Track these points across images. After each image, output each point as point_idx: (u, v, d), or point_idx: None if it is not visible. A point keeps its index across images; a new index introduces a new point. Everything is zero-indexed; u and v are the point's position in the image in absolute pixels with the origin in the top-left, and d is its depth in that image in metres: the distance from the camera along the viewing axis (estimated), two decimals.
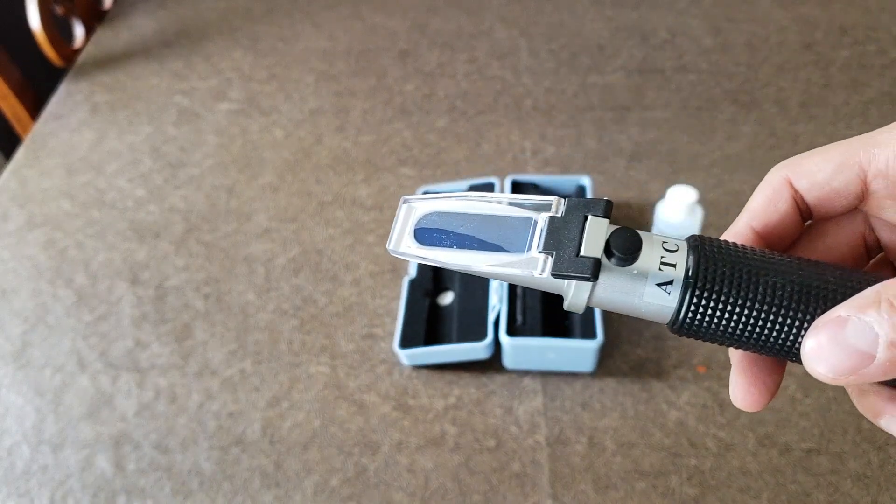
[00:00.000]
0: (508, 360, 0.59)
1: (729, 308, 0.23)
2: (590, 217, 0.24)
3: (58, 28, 0.95)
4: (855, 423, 0.55)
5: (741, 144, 0.80)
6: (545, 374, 0.59)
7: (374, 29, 1.01)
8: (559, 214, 0.25)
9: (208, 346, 0.63)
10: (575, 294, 0.24)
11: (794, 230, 0.26)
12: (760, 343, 0.24)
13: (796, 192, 0.26)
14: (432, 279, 0.65)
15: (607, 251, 0.24)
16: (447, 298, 0.64)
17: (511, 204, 0.26)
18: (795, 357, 0.24)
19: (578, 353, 0.57)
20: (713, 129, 0.82)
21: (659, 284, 0.24)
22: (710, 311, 0.24)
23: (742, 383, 0.26)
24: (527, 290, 0.61)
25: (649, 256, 0.24)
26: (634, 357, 0.60)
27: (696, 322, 0.24)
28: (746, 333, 0.24)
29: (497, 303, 0.60)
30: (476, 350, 0.58)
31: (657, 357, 0.60)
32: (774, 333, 0.23)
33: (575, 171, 0.78)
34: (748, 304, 0.23)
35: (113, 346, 0.64)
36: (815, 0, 1.01)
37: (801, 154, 0.25)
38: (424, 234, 0.26)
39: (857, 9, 0.99)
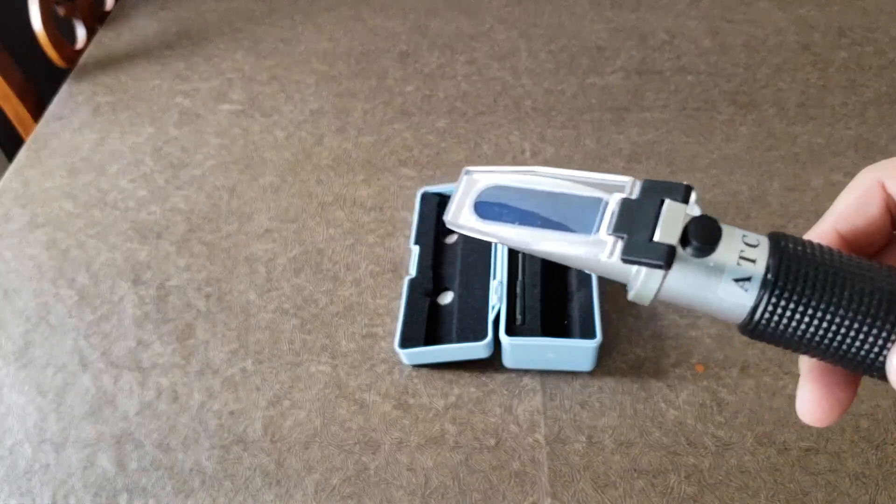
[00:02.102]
0: (508, 360, 0.59)
1: (810, 312, 0.22)
2: (667, 201, 0.23)
3: (60, 29, 0.96)
4: (853, 422, 0.56)
5: (739, 145, 0.80)
6: (544, 374, 0.60)
7: (375, 30, 1.02)
8: (633, 196, 0.23)
9: (210, 346, 0.63)
10: (643, 284, 0.23)
11: (882, 237, 0.24)
12: (840, 353, 0.22)
13: (889, 196, 0.23)
14: (432, 279, 0.65)
15: (683, 239, 0.22)
16: (447, 298, 0.64)
17: (580, 182, 0.24)
18: (877, 372, 0.22)
19: (577, 352, 0.58)
20: (711, 130, 0.82)
21: (736, 280, 0.22)
22: (788, 314, 0.22)
23: (812, 395, 0.24)
24: (526, 290, 0.61)
25: (728, 249, 0.22)
26: (633, 356, 0.61)
27: (773, 324, 0.22)
28: (826, 341, 0.22)
29: (497, 302, 0.60)
30: (476, 349, 0.58)
31: (656, 356, 0.61)
32: (857, 344, 0.22)
33: None
34: (831, 309, 0.21)
35: (115, 346, 0.64)
36: (814, 1, 1.01)
37: None
38: (485, 209, 0.24)
39: (856, 10, 1.00)
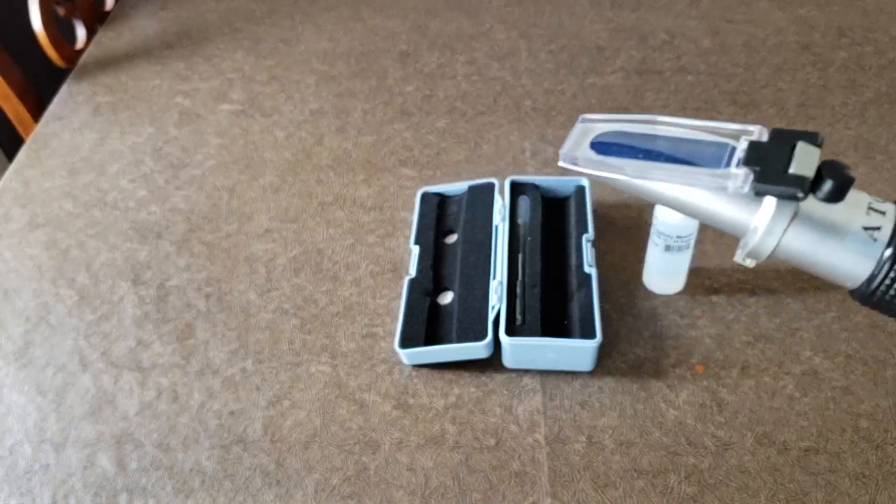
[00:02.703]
0: (508, 360, 0.59)
1: None
2: (800, 143, 0.22)
3: (60, 29, 0.96)
4: (853, 422, 0.56)
5: None
6: (544, 374, 0.60)
7: (375, 30, 1.02)
8: (762, 140, 0.23)
9: (210, 346, 0.63)
10: (766, 231, 0.22)
11: None
12: None
13: None
14: (432, 279, 0.65)
15: (816, 182, 0.21)
16: (447, 298, 0.64)
17: (703, 129, 0.24)
18: None
19: (577, 352, 0.58)
20: None
21: (866, 228, 0.21)
22: None
23: None
24: (526, 290, 0.61)
25: (857, 198, 0.22)
26: (633, 356, 0.61)
27: None
28: None
29: (497, 302, 0.60)
30: (476, 349, 0.58)
31: (656, 356, 0.61)
32: None
33: (574, 172, 0.78)
34: None
35: (115, 346, 0.64)
36: (814, 1, 1.01)
37: None
38: (603, 147, 0.24)
39: (856, 10, 1.00)
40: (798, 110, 0.84)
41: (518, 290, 0.62)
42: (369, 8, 1.06)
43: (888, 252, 0.21)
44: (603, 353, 0.61)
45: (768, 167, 0.21)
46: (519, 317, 0.60)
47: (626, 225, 0.72)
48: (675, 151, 0.23)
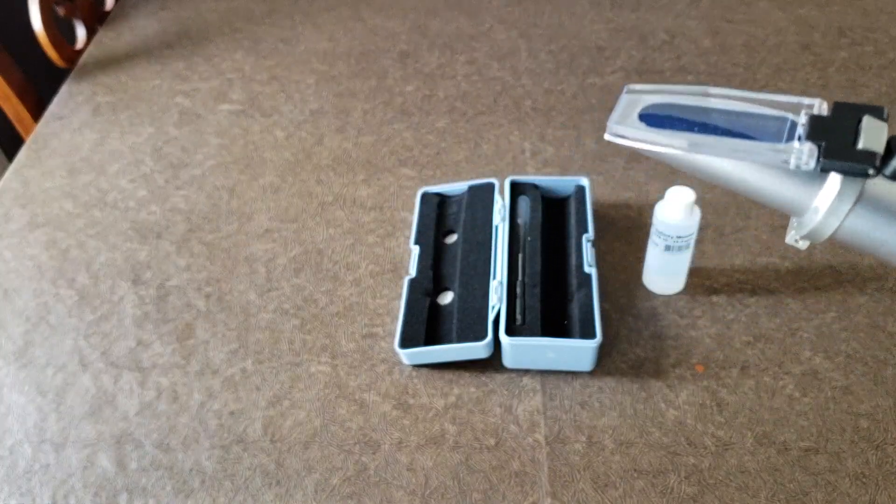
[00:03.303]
0: (508, 360, 0.59)
1: None
2: (866, 117, 0.21)
3: (60, 29, 0.96)
4: (853, 422, 0.56)
5: None
6: (544, 374, 0.60)
7: (375, 30, 1.02)
8: (823, 114, 0.22)
9: (210, 346, 0.63)
10: (830, 210, 0.20)
11: None
12: None
13: None
14: (432, 279, 0.65)
15: (885, 158, 0.20)
16: (447, 298, 0.64)
17: (759, 101, 0.22)
18: None
19: (577, 352, 0.58)
20: None
21: None
22: None
23: None
24: (526, 290, 0.61)
25: None
26: (633, 356, 0.61)
27: None
28: None
29: (497, 302, 0.60)
30: (476, 349, 0.58)
31: (655, 356, 0.61)
32: None
33: (574, 172, 0.78)
34: None
35: (115, 346, 0.64)
36: (814, 1, 1.01)
37: None
38: (653, 119, 0.22)
39: (855, 10, 1.00)
40: None
41: (518, 290, 0.62)
42: (369, 8, 1.06)
43: None
44: (603, 353, 0.61)
45: (834, 142, 0.20)
46: (519, 317, 0.60)
47: (626, 225, 0.72)
48: (730, 125, 0.22)
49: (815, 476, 0.53)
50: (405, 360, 0.60)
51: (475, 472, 0.54)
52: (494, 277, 0.63)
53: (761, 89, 0.87)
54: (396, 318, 0.64)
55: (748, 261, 0.68)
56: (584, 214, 0.67)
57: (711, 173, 0.22)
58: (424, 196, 0.73)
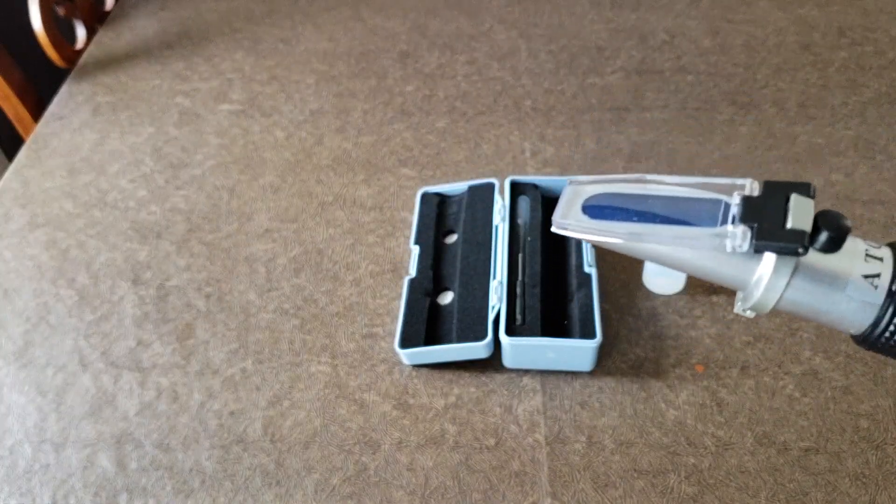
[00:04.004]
0: (508, 360, 0.59)
1: None
2: (794, 195, 0.22)
3: (59, 29, 0.96)
4: (853, 422, 0.56)
5: (739, 145, 0.80)
6: (544, 374, 0.60)
7: (375, 30, 1.02)
8: (754, 194, 0.23)
9: (210, 346, 0.63)
10: (769, 286, 0.22)
11: None
12: None
13: None
14: (432, 279, 0.65)
15: (813, 232, 0.21)
16: (447, 298, 0.64)
17: (693, 186, 0.23)
18: None
19: (577, 352, 0.58)
20: (711, 130, 0.82)
21: (866, 277, 0.21)
22: None
23: None
24: (526, 290, 0.61)
25: (853, 245, 0.22)
26: (633, 356, 0.61)
27: None
28: None
29: (497, 302, 0.60)
30: (476, 349, 0.58)
31: (655, 356, 0.61)
32: None
33: (574, 172, 0.78)
34: None
35: (115, 346, 0.64)
36: (814, 1, 1.01)
37: None
38: (595, 210, 0.23)
39: (856, 10, 1.00)
40: (798, 110, 0.84)
41: (518, 290, 0.62)
42: (369, 8, 1.06)
43: (889, 299, 0.21)
44: (603, 353, 0.61)
45: (765, 223, 0.21)
46: (519, 317, 0.60)
47: None
48: (668, 211, 0.23)
49: (815, 476, 0.53)
50: (405, 360, 0.60)
51: (475, 472, 0.54)
52: (494, 277, 0.63)
53: (762, 89, 0.87)
54: (396, 318, 0.64)
55: None
56: None
57: (655, 258, 0.23)
58: (424, 196, 0.73)
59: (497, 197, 0.70)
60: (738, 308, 0.23)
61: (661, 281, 0.65)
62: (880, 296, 0.21)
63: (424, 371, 0.61)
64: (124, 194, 0.79)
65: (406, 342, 0.60)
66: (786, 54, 0.93)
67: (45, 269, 0.71)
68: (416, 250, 0.67)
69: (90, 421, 0.59)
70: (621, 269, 0.67)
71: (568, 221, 0.23)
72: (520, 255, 0.65)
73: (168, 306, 0.67)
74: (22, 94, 0.92)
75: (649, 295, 0.65)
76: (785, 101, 0.86)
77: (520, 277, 0.63)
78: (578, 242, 0.65)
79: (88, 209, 0.77)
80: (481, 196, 0.71)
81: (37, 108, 0.93)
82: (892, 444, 0.54)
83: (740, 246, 0.22)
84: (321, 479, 0.54)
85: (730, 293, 0.65)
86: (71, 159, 0.83)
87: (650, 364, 0.60)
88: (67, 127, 0.88)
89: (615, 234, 0.23)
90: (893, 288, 0.21)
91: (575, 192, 0.24)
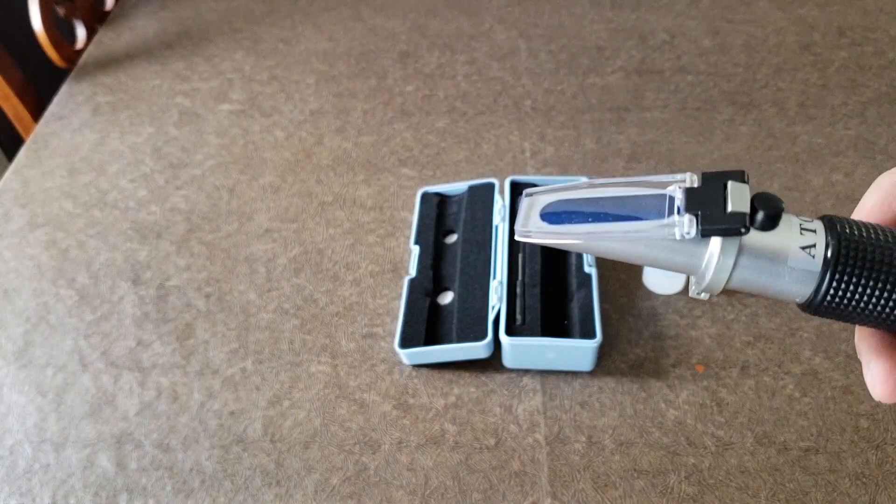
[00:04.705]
0: (508, 360, 0.59)
1: (885, 270, 0.23)
2: (730, 182, 0.24)
3: (59, 29, 0.96)
4: (853, 422, 0.56)
5: (739, 145, 0.80)
6: (544, 374, 0.60)
7: (375, 30, 1.02)
8: (695, 185, 0.25)
9: (210, 346, 0.63)
10: (718, 267, 0.24)
11: None
12: None
13: None
14: (432, 279, 0.65)
15: (752, 213, 0.24)
16: (447, 298, 0.64)
17: (637, 184, 0.26)
18: None
19: (577, 352, 0.58)
20: (711, 130, 0.82)
21: (803, 248, 0.24)
22: (856, 275, 0.23)
23: (882, 370, 0.25)
24: (526, 290, 0.61)
25: (788, 222, 0.24)
26: (633, 356, 0.61)
27: (843, 289, 0.23)
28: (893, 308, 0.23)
29: (497, 302, 0.60)
30: (476, 349, 0.58)
31: (655, 356, 0.61)
32: None
33: (574, 172, 0.78)
34: None
35: (115, 346, 0.64)
36: (814, 1, 1.01)
37: None
38: (553, 217, 0.26)
39: (856, 10, 1.00)
40: (798, 110, 0.84)
41: (518, 290, 0.62)
42: (369, 8, 1.06)
43: (826, 266, 0.24)
44: (603, 353, 0.61)
45: (708, 209, 0.24)
46: (519, 317, 0.60)
47: None
48: (619, 210, 0.25)
49: (815, 476, 0.53)
50: (405, 360, 0.60)
51: (475, 472, 0.54)
52: (494, 277, 0.63)
53: (762, 89, 0.87)
54: (396, 318, 0.64)
55: None
56: None
57: (613, 254, 0.26)
58: (424, 196, 0.73)
59: (497, 197, 0.70)
60: (692, 292, 0.26)
61: (661, 281, 0.65)
62: (818, 264, 0.24)
63: (424, 371, 0.61)
64: (124, 194, 0.79)
65: (406, 342, 0.60)
66: (786, 54, 0.93)
67: (45, 269, 0.71)
68: (416, 250, 0.67)
69: (90, 421, 0.59)
70: (621, 269, 0.67)
71: (529, 230, 0.26)
72: (520, 255, 0.65)
73: (168, 306, 0.67)
74: (22, 94, 0.92)
75: (649, 295, 0.65)
76: (785, 101, 0.86)
77: (520, 277, 0.63)
78: None
79: (88, 209, 0.77)
80: (481, 196, 0.71)
81: (37, 108, 0.93)
82: (892, 444, 0.54)
83: (688, 233, 0.24)
84: (321, 479, 0.54)
85: (729, 293, 0.65)
86: (71, 159, 0.84)
87: (650, 364, 0.60)
88: (67, 127, 0.88)
89: (574, 236, 0.25)
90: (828, 255, 0.24)
91: (531, 202, 0.26)
